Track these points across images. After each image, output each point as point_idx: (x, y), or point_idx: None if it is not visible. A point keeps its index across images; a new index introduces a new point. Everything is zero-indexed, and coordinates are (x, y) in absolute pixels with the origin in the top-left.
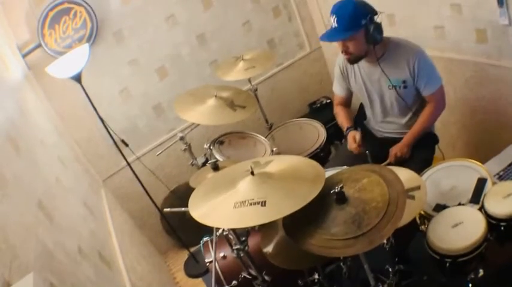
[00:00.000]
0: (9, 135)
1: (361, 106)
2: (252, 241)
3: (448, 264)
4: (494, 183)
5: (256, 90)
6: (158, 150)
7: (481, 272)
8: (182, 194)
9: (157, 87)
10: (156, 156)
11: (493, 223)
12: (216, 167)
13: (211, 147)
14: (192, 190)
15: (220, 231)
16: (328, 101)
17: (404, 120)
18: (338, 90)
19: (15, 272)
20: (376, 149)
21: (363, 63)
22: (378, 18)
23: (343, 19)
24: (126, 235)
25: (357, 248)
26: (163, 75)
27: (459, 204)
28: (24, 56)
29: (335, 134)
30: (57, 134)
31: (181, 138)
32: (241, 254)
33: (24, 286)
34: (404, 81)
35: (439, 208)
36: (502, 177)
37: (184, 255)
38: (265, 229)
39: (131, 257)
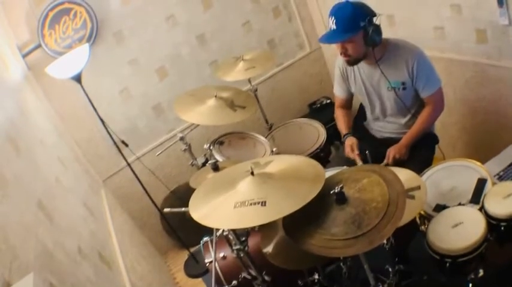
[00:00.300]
0: (9, 135)
1: (361, 107)
2: (252, 241)
3: (448, 264)
4: (494, 183)
5: (256, 90)
6: (158, 150)
7: (481, 272)
8: (182, 195)
9: (157, 88)
10: (156, 156)
11: (493, 223)
12: (216, 168)
13: (211, 147)
14: (192, 190)
15: (220, 231)
16: (328, 101)
17: (403, 120)
18: (338, 92)
19: (15, 272)
20: (375, 150)
21: (362, 65)
22: (377, 20)
23: (341, 21)
24: (126, 235)
25: (357, 248)
26: (163, 76)
27: (459, 204)
28: (24, 56)
29: (335, 135)
30: (57, 135)
31: (181, 139)
32: (241, 255)
33: (24, 286)
34: (403, 83)
35: (439, 208)
36: (502, 177)
37: (184, 255)
38: (265, 229)
39: (131, 257)
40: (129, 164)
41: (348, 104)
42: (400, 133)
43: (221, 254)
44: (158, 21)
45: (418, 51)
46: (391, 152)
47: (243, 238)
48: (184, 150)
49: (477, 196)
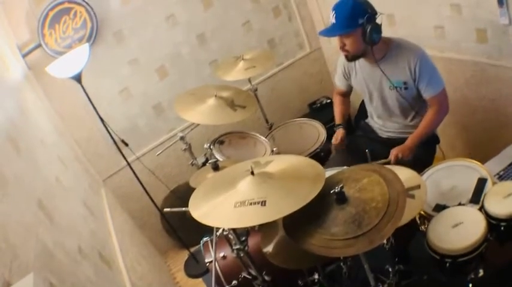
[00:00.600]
0: (9, 135)
1: (362, 105)
2: (252, 241)
3: (448, 264)
4: (494, 183)
5: (256, 90)
6: (158, 150)
7: (481, 272)
8: (182, 194)
9: (158, 87)
10: (156, 156)
11: (493, 223)
12: (216, 167)
13: (211, 147)
14: (192, 189)
15: (220, 231)
16: (328, 101)
17: (407, 120)
18: (339, 83)
19: (15, 272)
20: (377, 148)
21: (364, 63)
22: (377, 19)
23: (341, 16)
24: (126, 235)
25: (357, 248)
26: (164, 75)
27: (459, 204)
28: (24, 56)
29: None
30: (57, 134)
31: (182, 138)
32: (241, 254)
33: (24, 286)
34: (405, 83)
35: (439, 208)
36: (502, 177)
37: (184, 255)
38: (265, 229)
39: (131, 257)
40: (129, 164)
41: (346, 94)
42: (403, 133)
43: (221, 254)
44: (158, 20)
45: (420, 52)
46: (395, 152)
47: (243, 238)
48: (185, 149)
49: (477, 196)
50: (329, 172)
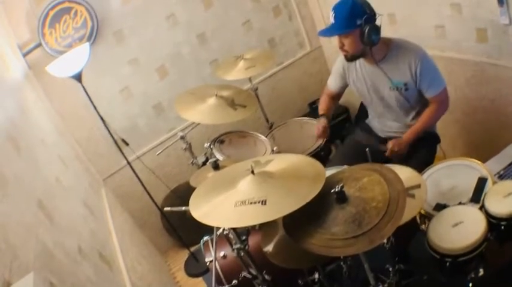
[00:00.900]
0: (9, 135)
1: (362, 105)
2: (253, 240)
3: (448, 263)
4: (494, 182)
5: (256, 89)
6: (158, 149)
7: (481, 271)
8: (182, 193)
9: (158, 87)
10: (157, 155)
11: (494, 223)
12: (216, 166)
13: (211, 146)
14: (192, 189)
15: (220, 230)
16: None
17: (408, 119)
18: (332, 85)
19: (15, 272)
20: (377, 148)
21: (364, 64)
22: (377, 20)
23: (339, 16)
24: (126, 235)
25: (357, 248)
26: (164, 75)
27: (459, 203)
28: (24, 55)
29: (335, 133)
30: (57, 134)
31: (182, 138)
32: (242, 254)
33: (24, 286)
34: (405, 84)
35: (440, 207)
36: (502, 176)
37: (184, 254)
38: (265, 228)
39: (131, 256)
40: (129, 163)
41: (335, 97)
42: (403, 133)
43: (221, 253)
44: (158, 20)
45: (421, 53)
46: (391, 145)
47: (244, 237)
48: (185, 149)
49: (477, 195)
50: (329, 171)
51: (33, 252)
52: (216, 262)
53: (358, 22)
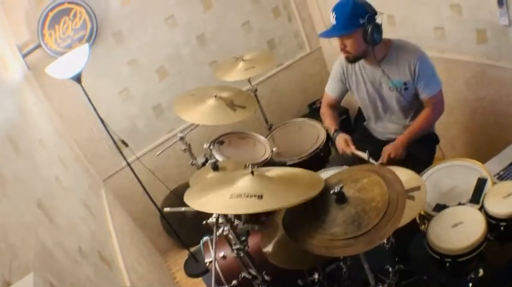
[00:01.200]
0: (9, 135)
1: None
2: (252, 241)
3: (448, 264)
4: (494, 183)
5: (256, 90)
6: (158, 150)
7: (481, 272)
8: (182, 194)
9: (157, 88)
10: (156, 156)
11: (493, 223)
12: (215, 167)
13: (211, 147)
14: None
15: (220, 231)
16: None
17: (407, 121)
18: (331, 91)
19: (15, 272)
20: (376, 151)
21: (364, 64)
22: (378, 19)
23: (341, 17)
24: (126, 235)
25: (357, 248)
26: (163, 76)
27: (459, 204)
28: (24, 56)
29: None
30: (57, 135)
31: (181, 139)
32: (241, 254)
33: (24, 286)
34: (405, 83)
35: (439, 207)
36: (502, 177)
37: (184, 255)
38: (265, 229)
39: (131, 257)
40: (129, 164)
41: (336, 104)
42: (401, 134)
43: (221, 254)
44: (158, 21)
45: (420, 52)
46: (387, 151)
47: (243, 238)
48: (184, 150)
49: (477, 196)
50: (329, 172)
51: (33, 252)
52: (216, 263)
53: (361, 21)
